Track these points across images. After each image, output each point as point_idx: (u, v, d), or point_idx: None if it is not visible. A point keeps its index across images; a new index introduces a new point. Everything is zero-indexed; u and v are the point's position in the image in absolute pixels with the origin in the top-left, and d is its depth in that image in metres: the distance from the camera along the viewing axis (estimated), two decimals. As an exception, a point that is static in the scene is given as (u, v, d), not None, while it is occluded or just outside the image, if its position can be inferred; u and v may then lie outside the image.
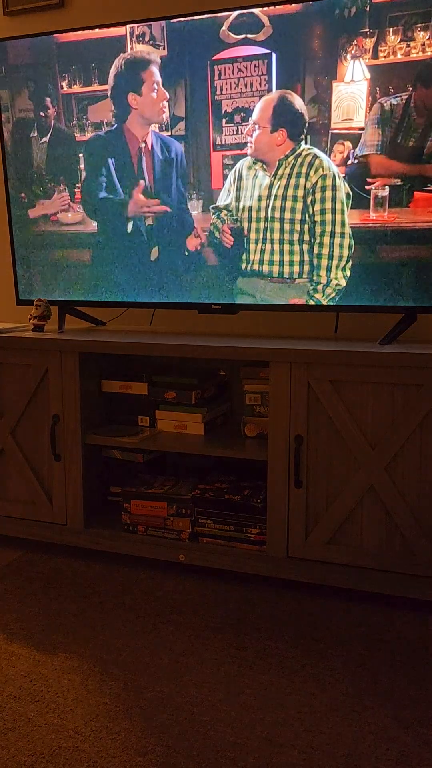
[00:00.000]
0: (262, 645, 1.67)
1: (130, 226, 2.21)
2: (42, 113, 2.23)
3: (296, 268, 2.05)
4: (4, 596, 1.92)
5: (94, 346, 2.05)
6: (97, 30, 2.11)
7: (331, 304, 2.01)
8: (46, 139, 2.24)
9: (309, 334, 2.21)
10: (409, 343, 1.94)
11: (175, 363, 2.32)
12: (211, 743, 1.32)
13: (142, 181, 2.17)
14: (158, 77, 2.09)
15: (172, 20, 2.02)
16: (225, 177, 2.09)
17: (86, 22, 2.43)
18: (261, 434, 2.06)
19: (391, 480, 1.78)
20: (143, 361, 2.29)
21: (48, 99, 2.22)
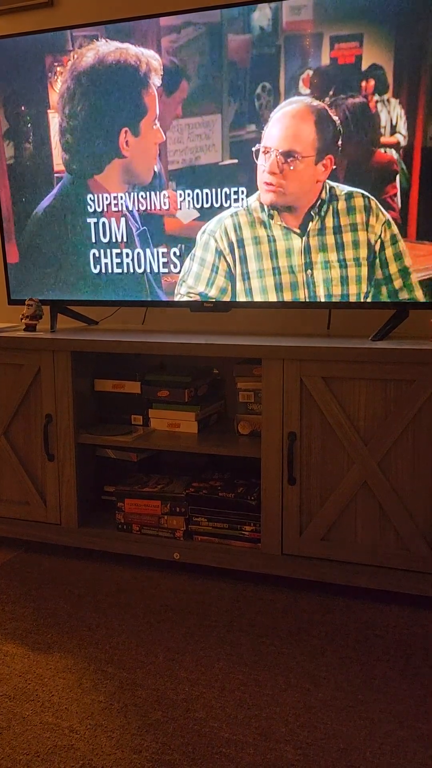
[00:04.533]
0: (256, 642, 1.67)
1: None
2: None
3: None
4: (-1, 596, 1.92)
5: (86, 345, 2.05)
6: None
7: (324, 300, 2.00)
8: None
9: (302, 332, 2.21)
10: (401, 339, 1.95)
11: (168, 361, 2.32)
12: (206, 740, 1.32)
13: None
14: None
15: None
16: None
17: (75, 21, 2.43)
18: (255, 432, 2.06)
19: (384, 476, 1.79)
20: (136, 360, 2.29)
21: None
